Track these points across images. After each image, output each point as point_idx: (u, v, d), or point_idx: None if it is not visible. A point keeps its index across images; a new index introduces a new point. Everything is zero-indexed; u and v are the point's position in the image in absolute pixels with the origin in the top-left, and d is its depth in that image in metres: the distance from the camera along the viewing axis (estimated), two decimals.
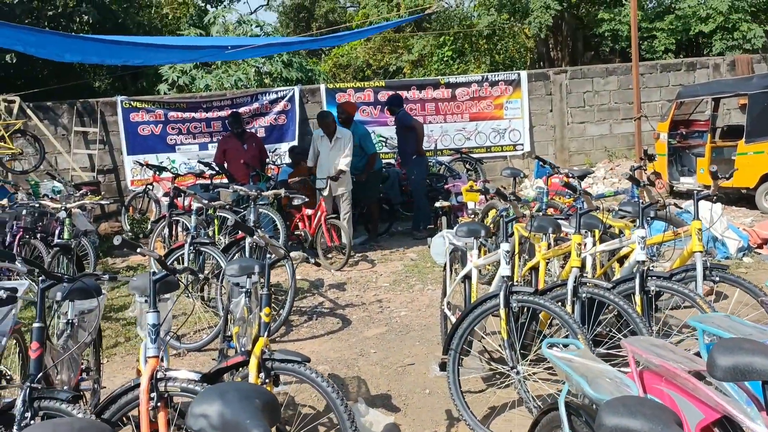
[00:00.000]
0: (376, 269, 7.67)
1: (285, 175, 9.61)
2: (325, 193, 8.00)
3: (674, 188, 10.33)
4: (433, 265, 7.48)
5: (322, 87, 11.57)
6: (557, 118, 11.88)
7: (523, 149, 11.72)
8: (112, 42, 7.59)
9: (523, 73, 11.88)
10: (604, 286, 3.78)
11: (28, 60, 11.05)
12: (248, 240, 5.20)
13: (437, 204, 7.99)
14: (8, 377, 3.31)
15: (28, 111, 10.01)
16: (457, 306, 4.84)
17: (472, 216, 7.62)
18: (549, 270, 4.81)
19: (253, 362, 3.07)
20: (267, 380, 3.11)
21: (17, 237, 6.81)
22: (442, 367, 3.92)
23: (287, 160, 10.34)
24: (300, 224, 8.19)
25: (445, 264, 5.01)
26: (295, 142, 10.98)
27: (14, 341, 3.79)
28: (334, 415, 3.09)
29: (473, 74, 13.04)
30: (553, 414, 2.44)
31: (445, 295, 4.91)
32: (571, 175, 6.18)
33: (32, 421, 2.72)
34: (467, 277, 4.56)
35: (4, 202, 6.93)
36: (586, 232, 4.33)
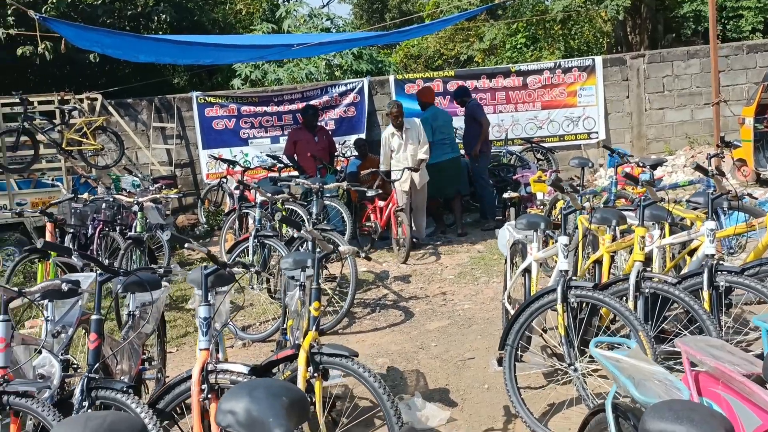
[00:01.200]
0: (441, 261, 7.60)
1: (353, 167, 9.66)
2: (405, 186, 7.85)
3: (761, 176, 9.73)
4: (500, 258, 7.34)
5: (391, 78, 11.54)
6: (634, 104, 11.41)
7: (597, 137, 11.32)
8: (183, 43, 7.84)
9: (598, 59, 11.47)
10: (669, 281, 3.59)
11: (108, 59, 11.54)
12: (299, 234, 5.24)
13: (506, 195, 7.83)
14: (76, 366, 3.45)
15: (110, 108, 10.46)
16: (518, 300, 4.73)
17: (541, 207, 7.43)
18: (616, 264, 4.63)
19: (302, 356, 3.09)
20: (316, 374, 3.13)
21: (98, 230, 7.13)
22: (500, 362, 3.84)
23: (356, 152, 10.38)
24: (372, 216, 8.19)
25: (506, 257, 4.90)
26: (363, 135, 11.01)
27: (83, 332, 3.96)
28: (382, 409, 3.07)
29: (545, 61, 12.68)
30: (602, 416, 2.34)
31: (506, 288, 4.81)
32: (642, 165, 5.91)
33: (89, 410, 2.83)
34: (527, 271, 4.45)
35: (86, 196, 7.26)
36: (653, 224, 4.13)
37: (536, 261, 4.37)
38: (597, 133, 11.33)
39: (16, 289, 2.94)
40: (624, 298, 3.66)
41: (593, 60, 11.45)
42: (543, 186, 7.43)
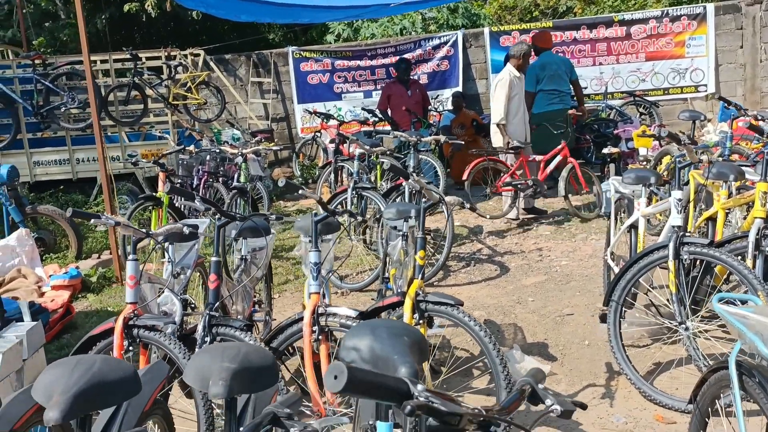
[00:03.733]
0: (537, 217, 7.48)
1: (447, 121, 9.59)
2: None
3: None
4: (598, 214, 7.17)
5: (486, 30, 11.28)
6: (748, 55, 10.68)
7: (706, 90, 10.71)
8: (282, 4, 7.95)
9: (710, 6, 10.76)
10: None
11: (209, 16, 11.83)
12: (407, 185, 5.27)
13: (605, 150, 7.56)
14: (193, 305, 3.67)
15: (211, 63, 10.77)
16: (622, 257, 4.61)
17: (644, 163, 7.14)
18: (729, 221, 4.42)
19: (408, 303, 3.15)
20: (421, 321, 3.18)
21: (203, 180, 7.45)
22: (603, 318, 3.78)
23: (449, 106, 10.29)
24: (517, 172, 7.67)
25: (611, 212, 4.77)
26: (459, 88, 10.87)
27: (198, 274, 4.19)
28: (487, 359, 3.11)
29: (651, 9, 12.02)
30: (723, 373, 2.28)
31: (608, 244, 4.70)
32: (760, 118, 5.57)
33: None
34: (633, 227, 4.32)
35: (192, 148, 7.57)
36: None
37: (644, 216, 4.23)
38: (705, 86, 10.72)
39: (144, 230, 3.13)
40: (741, 256, 3.51)
41: (704, 7, 10.75)
42: (647, 141, 7.13)
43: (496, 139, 7.17)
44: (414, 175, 3.82)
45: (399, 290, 3.69)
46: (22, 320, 3.97)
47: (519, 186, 7.01)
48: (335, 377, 0.89)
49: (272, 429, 1.98)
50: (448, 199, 3.68)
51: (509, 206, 7.11)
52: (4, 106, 8.67)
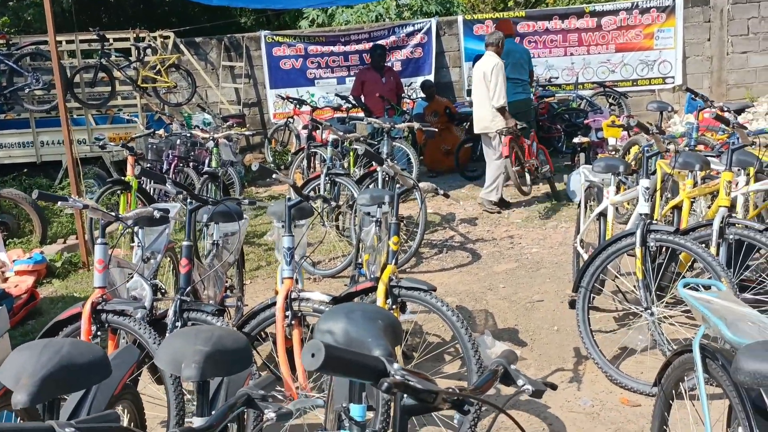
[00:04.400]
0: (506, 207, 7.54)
1: (420, 109, 9.60)
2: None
3: None
4: (568, 203, 7.26)
5: (460, 18, 11.28)
6: (715, 47, 10.86)
7: (673, 82, 10.87)
8: None
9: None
10: (755, 228, 3.49)
11: None
12: (380, 171, 5.28)
13: (575, 140, 7.66)
14: (163, 291, 3.64)
15: (181, 46, 10.61)
16: (591, 244, 4.69)
17: (613, 152, 7.24)
18: (694, 210, 4.51)
19: (381, 288, 3.16)
20: (394, 306, 3.20)
21: (173, 165, 7.36)
22: (572, 304, 3.84)
23: (422, 93, 10.29)
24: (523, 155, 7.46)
25: (580, 200, 4.84)
26: (431, 76, 10.87)
27: (168, 259, 4.14)
28: (459, 345, 3.14)
29: (622, 1, 12.16)
30: (687, 356, 2.33)
31: (578, 232, 4.76)
32: (726, 109, 5.68)
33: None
34: (602, 215, 4.39)
35: (161, 132, 7.47)
36: (738, 170, 3.99)
37: (613, 204, 4.30)
38: (673, 77, 10.88)
39: (114, 214, 3.09)
40: (706, 244, 3.59)
41: (674, 0, 10.90)
42: (616, 131, 7.23)
43: (495, 123, 6.99)
44: (388, 161, 3.83)
45: (372, 276, 3.70)
46: None
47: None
48: (312, 355, 0.89)
49: (246, 411, 1.97)
50: (422, 185, 3.70)
51: (492, 191, 7.14)
52: None
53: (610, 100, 10.81)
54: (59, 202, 2.99)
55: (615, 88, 10.82)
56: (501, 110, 6.90)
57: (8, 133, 8.86)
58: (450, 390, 1.08)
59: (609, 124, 7.44)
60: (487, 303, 4.89)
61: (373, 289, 3.22)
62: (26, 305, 5.11)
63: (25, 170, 8.78)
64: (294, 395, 2.97)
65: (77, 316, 2.96)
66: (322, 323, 1.82)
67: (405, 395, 1.13)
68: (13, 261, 5.82)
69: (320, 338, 1.79)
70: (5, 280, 5.47)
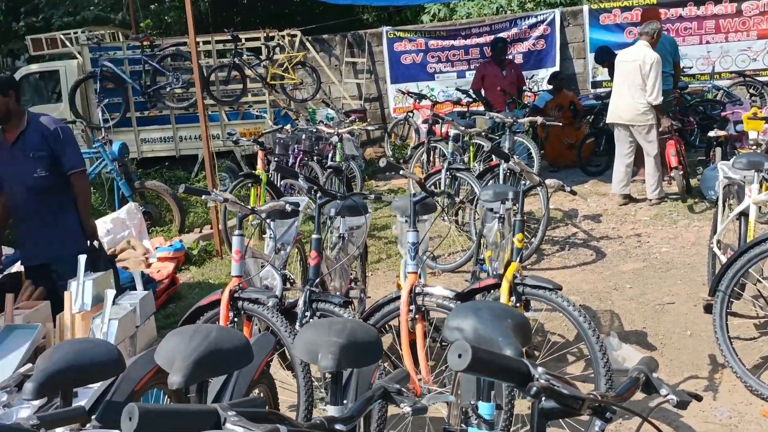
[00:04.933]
0: (635, 202, 7.23)
1: (542, 102, 9.39)
2: None
3: None
4: (701, 200, 6.85)
5: (585, 8, 10.90)
6: None
7: None
8: None
9: None
10: None
11: None
12: (503, 166, 5.23)
13: (711, 133, 7.18)
14: (292, 281, 3.80)
15: (307, 44, 10.97)
16: (729, 245, 4.40)
17: (754, 147, 6.75)
18: None
19: (505, 286, 3.14)
20: (518, 304, 3.17)
21: (298, 159, 7.64)
22: (707, 309, 3.64)
23: (546, 86, 10.05)
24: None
25: (718, 199, 4.56)
26: (557, 68, 10.59)
27: (296, 250, 4.32)
28: (584, 345, 3.06)
29: None
30: None
31: (715, 232, 4.49)
32: None
33: (311, 319, 3.12)
34: (743, 214, 4.11)
35: (288, 127, 7.77)
36: None
37: (755, 204, 4.02)
38: None
39: (250, 207, 3.26)
40: None
41: None
42: (758, 124, 6.71)
43: (647, 117, 6.64)
44: (514, 157, 3.78)
45: (495, 272, 3.68)
46: (135, 289, 4.23)
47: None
48: (459, 356, 0.91)
49: (382, 403, 2.03)
50: (548, 182, 3.62)
51: (657, 187, 6.85)
52: (115, 86, 9.18)
53: (751, 91, 10.07)
54: (203, 196, 3.19)
55: (757, 78, 10.06)
56: (658, 108, 6.61)
57: (151, 129, 9.56)
58: (592, 396, 1.07)
59: (750, 117, 6.92)
60: (613, 303, 4.72)
61: (497, 286, 3.20)
62: (167, 290, 5.50)
63: (166, 163, 9.44)
64: (417, 389, 3.01)
65: (216, 303, 3.16)
66: (451, 320, 1.84)
67: (544, 399, 1.13)
68: (156, 248, 6.28)
69: (449, 335, 1.82)
70: (149, 265, 5.91)
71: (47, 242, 3.97)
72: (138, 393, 2.19)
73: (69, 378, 1.80)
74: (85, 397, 2.32)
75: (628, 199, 7.06)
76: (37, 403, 2.34)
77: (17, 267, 4.67)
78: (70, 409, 1.60)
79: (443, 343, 3.45)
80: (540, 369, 1.02)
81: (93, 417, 1.93)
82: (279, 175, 6.66)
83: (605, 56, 8.50)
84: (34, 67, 10.49)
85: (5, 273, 4.53)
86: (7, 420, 2.35)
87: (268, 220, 3.65)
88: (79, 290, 3.61)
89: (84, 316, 3.55)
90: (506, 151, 5.98)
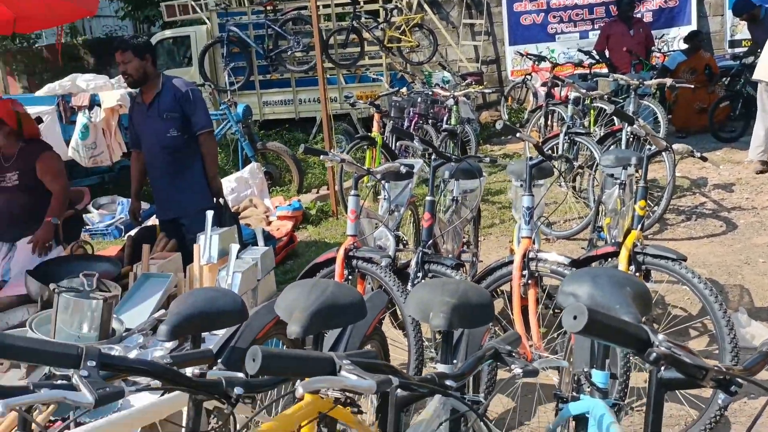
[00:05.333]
0: None
1: (673, 63, 8.82)
2: None
3: None
4: None
5: None
6: None
7: None
8: None
9: None
10: None
11: None
12: (626, 131, 4.99)
13: None
14: (405, 242, 3.85)
15: (425, 6, 10.87)
16: None
17: None
18: None
19: (624, 254, 3.02)
20: (637, 274, 3.04)
21: (413, 122, 7.66)
22: None
23: (681, 46, 9.39)
24: None
25: None
26: (693, 26, 9.89)
27: (410, 212, 4.37)
28: (709, 320, 2.91)
29: None
30: None
31: None
32: None
33: (422, 280, 3.15)
34: None
35: (404, 90, 7.78)
36: None
37: None
38: None
39: (366, 168, 3.32)
40: None
41: None
42: None
43: None
44: (639, 120, 3.60)
45: (613, 240, 3.55)
46: (257, 245, 4.43)
47: None
48: (574, 317, 0.90)
49: (492, 365, 2.03)
50: (675, 147, 3.42)
51: None
52: (240, 50, 9.53)
53: None
54: (321, 156, 3.29)
55: None
56: None
57: (273, 92, 9.88)
58: (717, 367, 1.02)
59: None
60: (743, 278, 4.44)
61: (615, 254, 3.09)
62: (286, 247, 5.74)
63: (286, 125, 9.75)
64: (528, 355, 2.99)
65: (332, 260, 3.26)
66: (566, 286, 1.81)
67: (663, 368, 1.09)
68: (276, 207, 6.55)
69: (564, 300, 1.79)
70: (269, 223, 6.18)
71: (177, 198, 4.24)
72: (259, 341, 2.31)
73: (199, 323, 1.92)
74: (210, 343, 2.48)
75: (767, 166, 6.55)
76: (169, 345, 2.54)
77: (153, 221, 5.03)
78: (199, 351, 1.72)
79: (556, 310, 3.39)
80: (660, 336, 0.98)
81: (219, 360, 2.07)
82: (394, 137, 6.71)
83: (746, 8, 7.85)
84: (168, 33, 11.10)
85: (142, 226, 4.90)
86: None
87: (382, 182, 3.70)
88: (207, 244, 3.83)
89: (211, 268, 3.78)
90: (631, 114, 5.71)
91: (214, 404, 1.75)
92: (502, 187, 7.02)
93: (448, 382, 1.21)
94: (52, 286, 3.04)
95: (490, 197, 6.83)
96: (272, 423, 1.73)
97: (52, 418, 2.32)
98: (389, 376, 1.06)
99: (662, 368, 1.08)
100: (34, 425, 1.38)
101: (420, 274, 3.19)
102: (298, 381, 0.99)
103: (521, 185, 3.30)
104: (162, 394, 2.04)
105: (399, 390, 1.28)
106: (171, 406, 1.88)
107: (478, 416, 1.22)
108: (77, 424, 1.80)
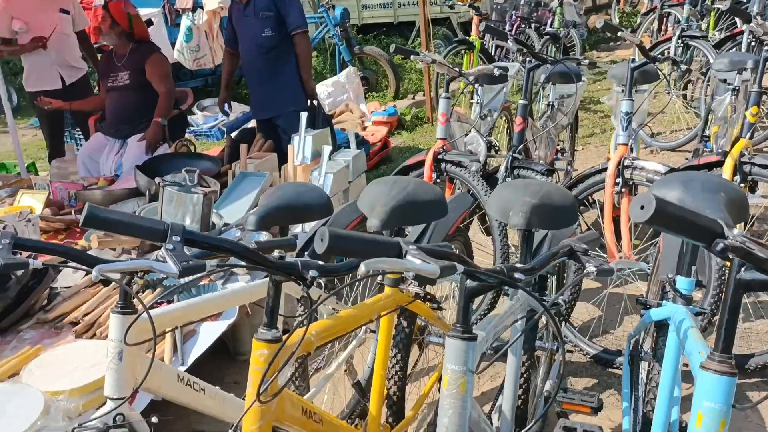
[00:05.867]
0: None
1: None
2: None
3: None
4: None
5: None
6: None
7: None
8: None
9: None
10: None
11: None
12: (746, 33, 4.58)
13: None
14: (497, 148, 3.78)
15: None
16: None
17: None
18: None
19: (729, 163, 2.85)
20: (742, 185, 2.88)
21: (515, 25, 7.35)
22: None
23: None
24: None
25: None
26: None
27: (503, 118, 4.26)
28: None
29: None
30: None
31: None
32: None
33: None
34: None
35: None
36: None
37: None
38: None
39: (457, 70, 3.25)
40: None
41: None
42: None
43: None
44: (757, 18, 3.29)
45: (719, 150, 3.34)
46: (349, 148, 4.50)
47: None
48: (642, 207, 0.87)
49: (567, 265, 2.01)
50: None
51: None
52: None
53: None
54: (411, 56, 3.23)
55: None
56: None
57: None
58: None
59: None
60: None
61: (719, 163, 2.91)
62: (380, 152, 5.79)
63: (384, 30, 9.60)
64: None
65: (421, 163, 3.26)
66: (654, 189, 1.74)
67: (744, 268, 1.04)
68: (371, 112, 6.56)
69: None
70: (364, 128, 6.22)
71: (273, 98, 4.33)
72: None
73: (285, 215, 2.00)
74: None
75: None
76: (263, 238, 2.67)
77: (253, 123, 5.18)
78: (282, 239, 1.80)
79: None
80: (736, 230, 0.94)
81: (305, 253, 2.16)
82: (493, 40, 6.48)
83: None
84: None
85: (243, 128, 5.07)
86: None
87: (475, 85, 3.61)
88: (300, 144, 3.93)
89: (304, 169, 3.89)
90: (754, 14, 5.22)
91: (301, 293, 1.84)
92: (606, 95, 6.69)
93: (516, 275, 1.21)
94: (157, 180, 3.25)
95: (592, 105, 6.55)
96: (351, 310, 1.81)
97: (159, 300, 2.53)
98: (454, 262, 1.08)
99: (742, 269, 1.03)
100: (135, 300, 1.51)
101: (509, 179, 3.15)
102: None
103: (622, 90, 3.14)
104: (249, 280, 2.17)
105: (469, 281, 1.30)
106: (261, 290, 2.00)
107: (546, 310, 1.22)
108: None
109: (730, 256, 0.93)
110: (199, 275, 1.13)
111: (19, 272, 2.60)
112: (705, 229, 0.91)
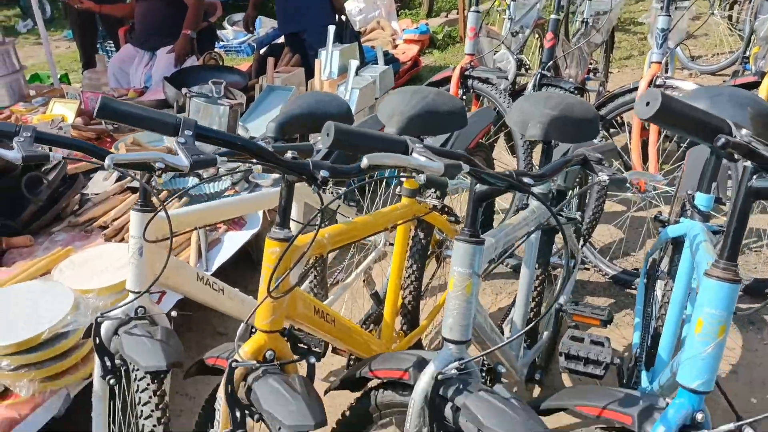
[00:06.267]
0: None
1: None
2: None
3: None
4: None
5: None
6: None
7: None
8: None
9: None
10: None
11: None
12: None
13: None
14: (527, 66, 3.69)
15: None
16: None
17: None
18: None
19: (766, 84, 2.75)
20: None
21: None
22: None
23: None
24: None
25: None
26: None
27: (536, 37, 4.14)
28: None
29: None
30: None
31: None
32: None
33: None
34: None
35: None
36: None
37: None
38: None
39: None
40: None
41: None
42: None
43: None
44: None
45: (759, 70, 3.22)
46: (377, 64, 4.44)
47: None
48: (647, 103, 0.85)
49: (583, 175, 1.99)
50: None
51: None
52: None
53: None
54: None
55: None
56: None
57: None
58: None
59: None
60: None
61: (756, 84, 2.82)
62: (410, 70, 5.69)
63: None
64: (642, 186, 2.90)
65: (448, 80, 3.21)
66: (688, 100, 1.70)
67: (756, 176, 1.02)
68: (403, 30, 6.42)
69: None
70: (395, 47, 6.11)
71: (300, 12, 4.26)
72: None
73: (305, 122, 2.00)
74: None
75: None
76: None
77: (282, 40, 5.12)
78: (299, 144, 1.81)
79: (681, 144, 3.22)
80: (744, 131, 0.91)
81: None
82: None
83: None
84: None
85: (271, 43, 5.01)
86: None
87: (508, 0, 3.50)
88: (327, 59, 3.89)
89: (330, 84, 3.86)
90: None
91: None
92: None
93: (525, 179, 1.21)
94: (184, 90, 3.26)
95: (632, 27, 6.32)
96: (367, 217, 1.83)
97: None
98: (459, 161, 1.08)
99: (753, 177, 1.02)
100: (154, 198, 1.55)
101: None
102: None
103: (661, 6, 3.01)
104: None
105: (479, 186, 1.31)
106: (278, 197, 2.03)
107: (553, 215, 1.22)
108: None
109: (735, 156, 0.91)
110: (213, 177, 1.15)
111: (50, 176, 2.67)
112: (709, 126, 0.89)
